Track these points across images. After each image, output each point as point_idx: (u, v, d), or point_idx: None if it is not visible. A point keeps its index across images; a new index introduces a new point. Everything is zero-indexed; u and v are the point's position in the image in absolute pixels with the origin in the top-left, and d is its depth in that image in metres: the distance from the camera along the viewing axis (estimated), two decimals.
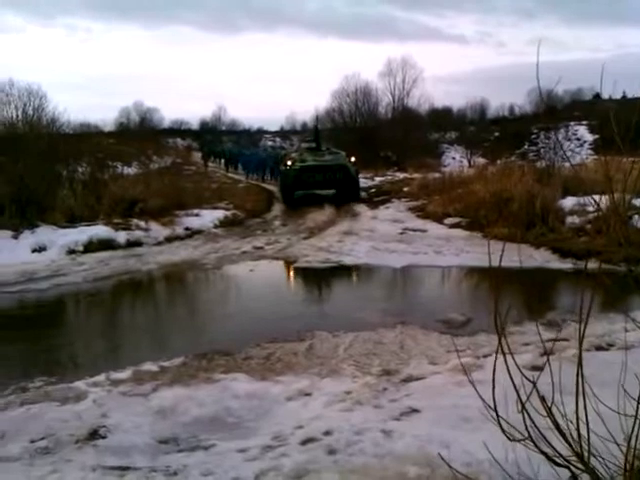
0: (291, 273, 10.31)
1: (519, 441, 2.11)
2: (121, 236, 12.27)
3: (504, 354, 2.09)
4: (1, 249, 10.71)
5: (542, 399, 2.10)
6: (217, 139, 58.25)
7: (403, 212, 17.30)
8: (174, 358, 5.62)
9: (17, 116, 15.24)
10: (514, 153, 36.57)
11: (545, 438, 2.13)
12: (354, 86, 46.92)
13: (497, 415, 2.06)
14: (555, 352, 4.85)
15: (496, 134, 51.26)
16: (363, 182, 22.03)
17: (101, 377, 5.17)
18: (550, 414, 2.10)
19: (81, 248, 11.35)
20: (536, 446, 2.11)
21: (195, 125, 68.90)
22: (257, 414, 4.41)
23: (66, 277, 9.54)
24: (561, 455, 2.12)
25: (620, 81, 3.68)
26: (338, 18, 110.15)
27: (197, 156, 45.29)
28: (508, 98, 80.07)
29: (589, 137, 47.82)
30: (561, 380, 2.36)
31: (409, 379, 5.02)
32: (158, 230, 13.19)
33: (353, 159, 20.40)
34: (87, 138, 25.82)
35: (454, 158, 46.36)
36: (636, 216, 9.35)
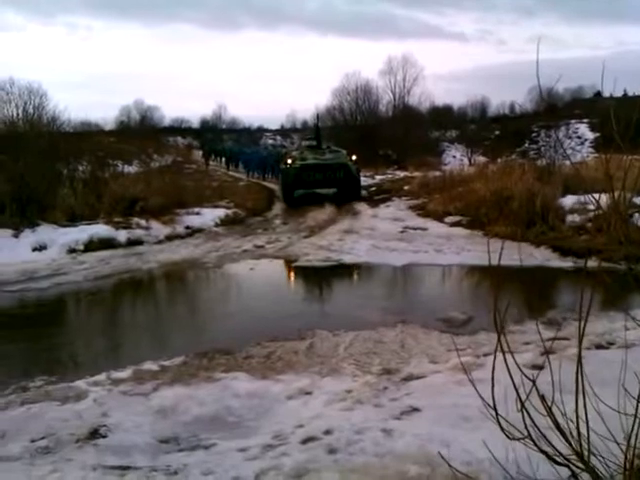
0: (292, 272, 10.31)
1: (519, 440, 2.11)
2: (122, 235, 12.28)
3: (504, 353, 2.09)
4: (1, 248, 10.71)
5: (542, 398, 2.10)
6: (218, 137, 58.20)
7: (403, 210, 17.30)
8: (175, 357, 5.62)
9: (17, 115, 15.31)
10: (515, 151, 36.51)
11: (545, 437, 2.13)
12: (354, 84, 46.95)
13: (496, 414, 2.06)
14: (556, 351, 4.85)
15: (497, 132, 51.18)
16: (363, 180, 21.99)
17: (102, 376, 5.17)
18: (550, 413, 2.10)
19: (82, 247, 11.36)
20: (536, 445, 2.10)
21: (196, 123, 68.90)
22: (258, 413, 4.41)
23: (67, 276, 9.55)
24: (561, 454, 2.12)
25: (620, 79, 3.68)
26: (338, 16, 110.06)
27: (198, 154, 45.28)
28: (509, 96, 79.77)
29: (590, 135, 47.73)
30: (561, 379, 2.36)
31: (409, 378, 5.01)
32: (159, 229, 13.20)
33: (354, 157, 20.16)
34: (88, 137, 25.88)
35: (455, 156, 46.31)
36: (636, 214, 9.35)
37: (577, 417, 2.08)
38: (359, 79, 46.98)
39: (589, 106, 47.93)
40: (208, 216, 15.16)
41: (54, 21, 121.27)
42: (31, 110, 15.33)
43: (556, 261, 9.84)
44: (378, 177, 27.86)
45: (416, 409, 4.36)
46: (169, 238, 12.92)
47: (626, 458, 2.09)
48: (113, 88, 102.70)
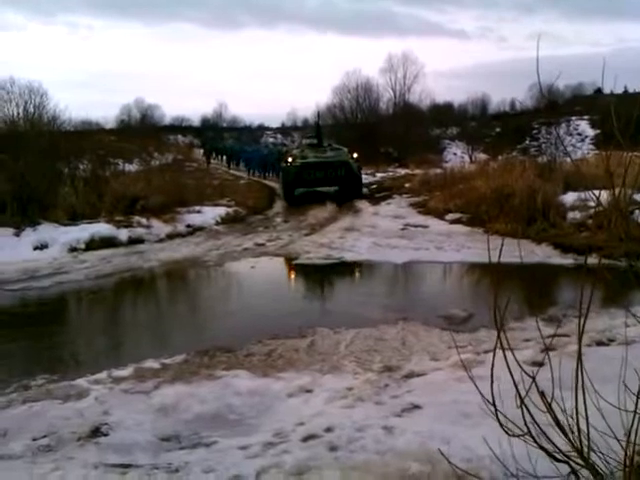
0: (292, 270, 10.32)
1: (518, 436, 2.11)
2: (123, 233, 12.30)
3: (503, 349, 2.09)
4: (3, 247, 10.72)
5: (542, 394, 2.10)
6: (218, 136, 58.15)
7: (404, 208, 17.29)
8: (176, 355, 5.63)
9: (18, 114, 15.30)
10: (515, 148, 36.44)
11: (545, 434, 2.13)
12: (355, 82, 46.76)
13: (495, 410, 2.07)
14: (556, 348, 4.86)
15: (497, 129, 51.08)
16: (364, 178, 21.90)
17: (103, 375, 5.19)
18: (550, 409, 2.10)
19: (83, 246, 11.38)
20: (535, 441, 2.11)
21: (196, 122, 68.77)
22: (258, 411, 4.42)
23: (68, 275, 9.56)
24: (561, 450, 2.12)
25: (621, 75, 3.67)
26: (338, 14, 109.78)
27: (198, 153, 45.23)
28: (509, 93, 79.79)
29: (590, 132, 47.63)
30: (561, 376, 2.36)
31: (410, 375, 5.02)
32: (160, 227, 13.21)
33: (355, 155, 19.95)
34: (88, 135, 25.87)
35: (455, 154, 46.21)
36: (637, 211, 9.35)
37: (577, 414, 2.08)
38: (359, 77, 46.86)
39: (590, 103, 47.76)
40: (209, 214, 15.17)
41: (55, 20, 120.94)
42: (32, 109, 15.34)
43: (557, 258, 9.84)
44: (379, 175, 27.85)
45: (417, 406, 4.36)
46: (170, 236, 12.93)
47: (626, 454, 2.09)
48: (114, 87, 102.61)
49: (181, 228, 13.67)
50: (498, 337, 2.05)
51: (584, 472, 2.16)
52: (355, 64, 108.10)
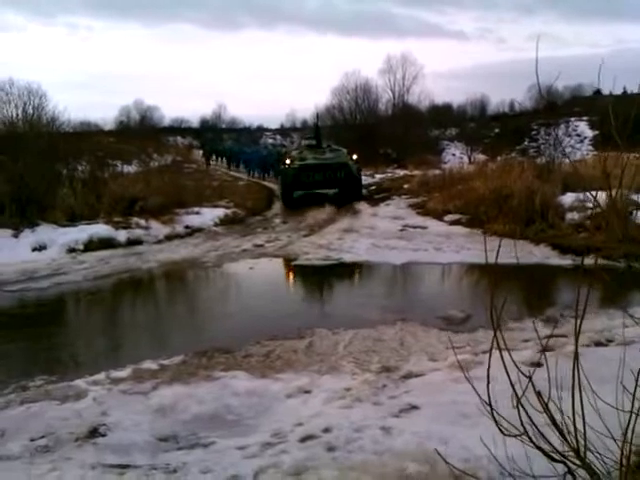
0: (291, 271, 10.32)
1: (514, 436, 2.11)
2: (121, 235, 12.30)
3: (500, 349, 2.09)
4: (1, 248, 10.72)
5: (538, 394, 2.10)
6: (217, 137, 58.18)
7: (403, 209, 17.30)
8: (174, 356, 5.63)
9: (17, 115, 15.25)
10: (514, 149, 36.46)
11: (542, 434, 2.14)
12: (354, 83, 46.80)
13: (491, 410, 2.07)
14: (554, 348, 4.87)
15: (496, 130, 51.16)
16: (363, 179, 21.89)
17: (101, 375, 5.18)
18: (546, 409, 2.10)
19: (81, 247, 11.38)
20: (531, 441, 2.11)
21: (195, 123, 68.83)
22: (257, 411, 4.42)
23: (66, 276, 9.56)
24: (557, 450, 2.12)
25: (620, 76, 3.67)
26: (338, 15, 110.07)
27: (198, 154, 45.24)
28: (508, 94, 79.92)
29: (589, 133, 47.70)
30: (559, 376, 2.36)
31: (408, 376, 5.02)
32: (158, 228, 13.21)
33: (355, 157, 19.67)
34: (87, 137, 25.91)
35: (454, 155, 46.23)
36: (634, 212, 9.35)
37: (573, 413, 2.09)
38: (359, 78, 46.90)
39: (589, 104, 47.81)
40: (208, 216, 15.17)
41: (54, 21, 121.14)
42: (31, 110, 15.29)
43: (555, 259, 9.85)
44: (378, 176, 27.87)
45: (415, 407, 4.37)
46: (168, 238, 12.93)
47: (622, 454, 2.09)
48: (113, 88, 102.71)
49: (180, 229, 13.67)
50: (495, 337, 2.05)
51: (581, 472, 2.16)
52: (354, 65, 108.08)
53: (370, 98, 47.43)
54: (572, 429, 2.12)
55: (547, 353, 3.67)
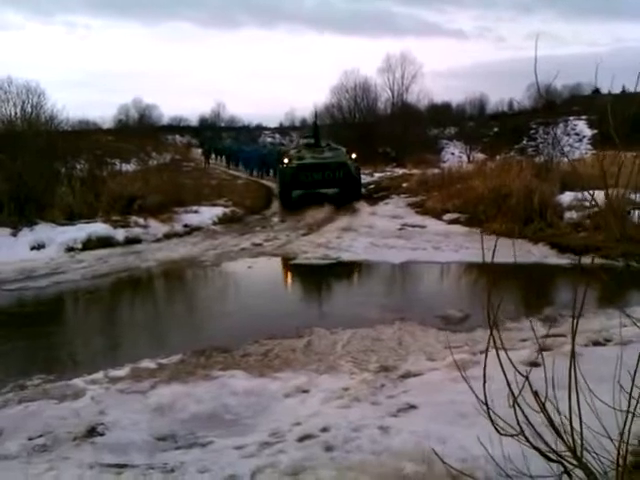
0: (290, 270, 10.31)
1: (511, 436, 2.11)
2: (120, 233, 12.29)
3: (496, 349, 2.09)
4: (0, 247, 10.70)
5: (535, 394, 2.10)
6: (216, 136, 58.17)
7: (402, 208, 17.29)
8: (172, 355, 5.63)
9: (15, 113, 15.20)
10: (513, 148, 36.46)
11: (538, 433, 2.14)
12: (353, 82, 46.73)
13: (487, 409, 2.07)
14: (552, 348, 4.86)
15: (495, 129, 51.21)
16: (362, 178, 21.85)
17: (99, 374, 5.18)
18: (543, 409, 2.11)
19: (80, 245, 11.37)
20: (528, 441, 2.11)
21: (194, 122, 68.81)
22: (255, 411, 4.42)
23: (65, 275, 9.55)
24: (554, 450, 2.12)
25: (619, 75, 3.67)
26: (336, 14, 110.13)
27: (196, 153, 45.19)
28: (507, 93, 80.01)
29: (588, 132, 47.74)
30: (557, 375, 2.36)
31: (407, 375, 5.02)
32: (157, 227, 13.20)
33: (354, 156, 19.36)
34: (86, 135, 25.87)
35: (453, 154, 46.26)
36: (633, 211, 9.35)
37: (570, 413, 2.09)
38: (357, 77, 46.82)
39: (587, 103, 47.81)
40: (206, 214, 15.16)
41: (53, 20, 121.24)
42: (29, 109, 15.24)
43: (554, 258, 9.85)
44: (377, 175, 27.87)
45: (413, 406, 4.37)
46: (167, 236, 12.92)
47: (619, 454, 2.09)
48: (112, 87, 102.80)
49: (178, 228, 13.66)
50: (491, 335, 2.05)
51: (578, 472, 2.17)
52: (353, 64, 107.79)
53: (369, 97, 47.42)
54: (569, 429, 2.12)
55: (545, 353, 3.67)
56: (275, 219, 15.94)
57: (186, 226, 13.91)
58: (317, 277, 9.54)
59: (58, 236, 11.51)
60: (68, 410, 4.46)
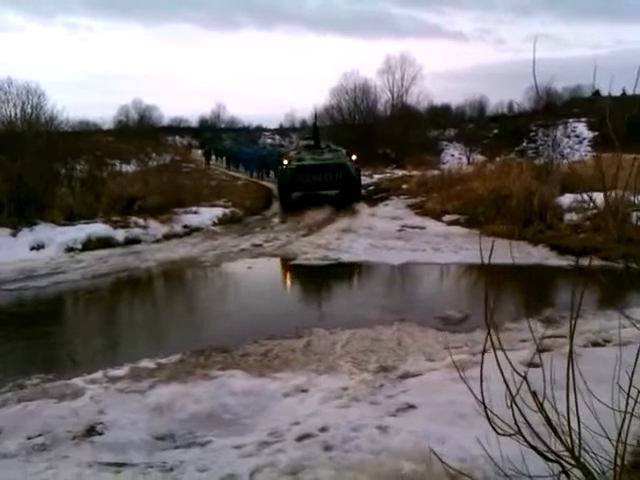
0: (289, 270, 10.31)
1: (509, 435, 2.11)
2: (119, 234, 12.30)
3: (494, 349, 2.10)
4: (0, 247, 10.71)
5: (533, 394, 2.11)
6: (216, 137, 58.22)
7: (402, 209, 17.29)
8: (171, 355, 5.63)
9: (15, 114, 15.22)
10: (513, 150, 36.52)
11: (536, 433, 2.14)
12: (353, 83, 46.74)
13: (485, 409, 2.07)
14: (552, 348, 4.87)
15: (495, 131, 51.28)
16: (362, 179, 21.80)
17: (98, 374, 5.18)
18: (541, 409, 2.11)
19: (80, 246, 11.38)
20: (526, 441, 2.11)
21: (194, 123, 68.90)
22: (254, 410, 4.42)
23: (65, 275, 9.56)
24: (552, 450, 2.13)
25: (620, 77, 3.67)
26: (337, 15, 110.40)
27: (196, 154, 45.22)
28: (507, 95, 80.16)
29: (588, 134, 47.80)
30: (556, 376, 2.37)
31: (406, 375, 5.02)
32: (156, 228, 13.21)
33: (354, 157, 19.23)
34: (86, 136, 25.92)
35: (453, 155, 46.32)
36: (634, 213, 9.34)
37: (568, 413, 2.09)
38: (357, 78, 46.84)
39: (588, 105, 47.82)
40: (206, 215, 15.17)
41: (54, 21, 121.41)
42: (29, 110, 15.26)
43: (554, 259, 9.85)
44: (376, 176, 27.88)
45: (412, 406, 4.37)
46: (167, 237, 12.94)
47: (617, 454, 2.10)
48: (113, 88, 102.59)
49: (178, 229, 13.67)
50: (488, 335, 2.06)
51: (576, 472, 2.17)
52: (353, 65, 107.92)
53: (369, 98, 47.43)
54: (567, 429, 2.12)
55: (544, 353, 3.68)
56: (275, 220, 15.94)
57: (186, 227, 13.92)
58: (317, 278, 9.54)
59: (58, 236, 11.52)
60: (67, 409, 4.46)
